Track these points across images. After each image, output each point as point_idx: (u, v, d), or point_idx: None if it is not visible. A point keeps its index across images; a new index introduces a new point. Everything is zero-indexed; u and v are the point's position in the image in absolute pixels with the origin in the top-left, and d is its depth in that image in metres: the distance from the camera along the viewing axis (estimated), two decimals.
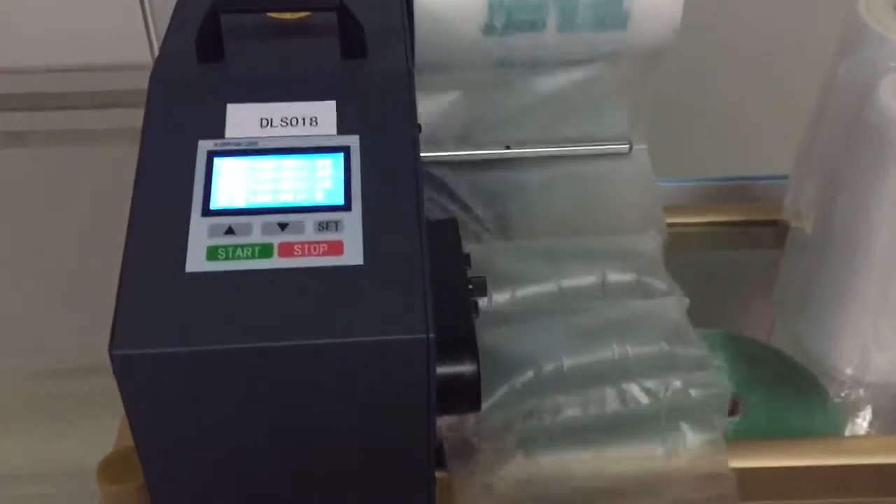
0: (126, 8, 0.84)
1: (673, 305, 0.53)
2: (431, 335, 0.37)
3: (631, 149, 0.61)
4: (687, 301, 0.55)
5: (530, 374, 0.50)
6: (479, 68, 0.57)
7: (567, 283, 0.55)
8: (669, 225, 0.65)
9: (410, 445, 0.41)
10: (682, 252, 0.66)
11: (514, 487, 0.45)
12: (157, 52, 0.85)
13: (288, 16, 0.48)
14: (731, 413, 0.63)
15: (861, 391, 0.54)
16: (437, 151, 0.60)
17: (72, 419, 1.12)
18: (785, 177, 0.66)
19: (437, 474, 0.45)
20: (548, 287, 0.55)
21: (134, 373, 0.36)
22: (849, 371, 0.54)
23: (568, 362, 0.50)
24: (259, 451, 0.40)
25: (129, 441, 0.44)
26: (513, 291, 0.55)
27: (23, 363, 1.12)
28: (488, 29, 0.55)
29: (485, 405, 0.47)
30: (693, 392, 0.49)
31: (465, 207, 0.59)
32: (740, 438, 0.57)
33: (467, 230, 0.59)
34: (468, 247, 0.52)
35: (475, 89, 0.59)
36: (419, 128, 0.44)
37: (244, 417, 0.38)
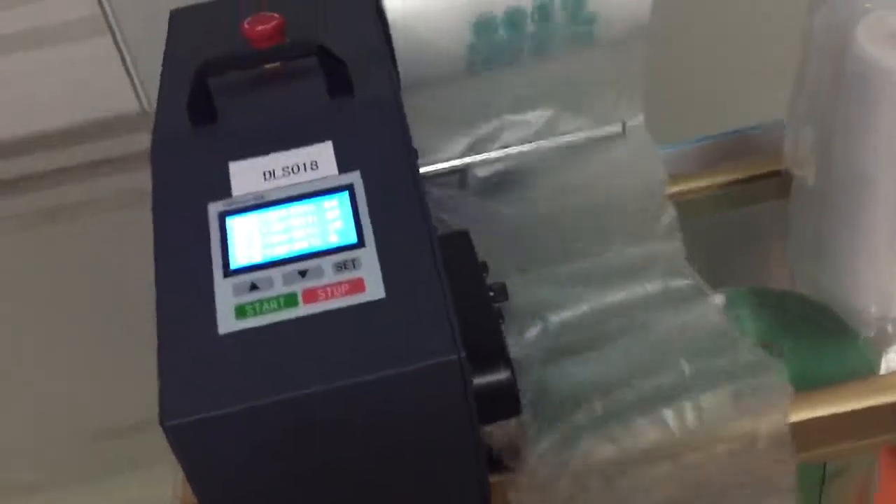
0: (106, 60, 0.86)
1: (711, 309, 0.53)
2: (462, 354, 0.38)
3: (625, 128, 0.62)
4: (723, 298, 0.55)
5: (592, 405, 0.49)
6: (460, 78, 0.58)
7: (597, 304, 0.55)
8: (676, 193, 0.66)
9: (459, 458, 0.42)
10: (693, 218, 0.66)
11: (566, 483, 0.46)
12: (143, 99, 0.87)
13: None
14: None
15: (889, 327, 0.54)
16: (434, 164, 0.61)
17: (125, 475, 1.15)
18: (780, 121, 0.67)
19: (494, 478, 0.47)
20: (580, 311, 0.55)
21: (186, 439, 0.38)
22: (873, 309, 0.54)
23: (622, 393, 0.49)
24: (313, 486, 0.41)
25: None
26: (546, 323, 0.54)
27: (73, 426, 1.15)
28: (469, 64, 0.56)
29: (543, 446, 0.47)
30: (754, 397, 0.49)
31: (462, 214, 0.60)
32: None
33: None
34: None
35: (458, 98, 0.60)
36: (415, 152, 0.46)
37: (297, 462, 0.40)
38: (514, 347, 0.51)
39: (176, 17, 0.56)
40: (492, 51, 0.57)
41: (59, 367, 1.08)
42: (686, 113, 0.84)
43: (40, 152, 0.91)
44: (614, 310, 0.54)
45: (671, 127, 0.76)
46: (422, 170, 0.60)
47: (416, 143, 0.46)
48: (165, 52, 0.53)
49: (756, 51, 0.87)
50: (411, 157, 0.45)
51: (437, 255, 0.41)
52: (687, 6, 0.80)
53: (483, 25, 0.56)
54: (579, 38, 0.58)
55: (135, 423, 1.14)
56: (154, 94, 0.70)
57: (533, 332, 0.54)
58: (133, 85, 0.88)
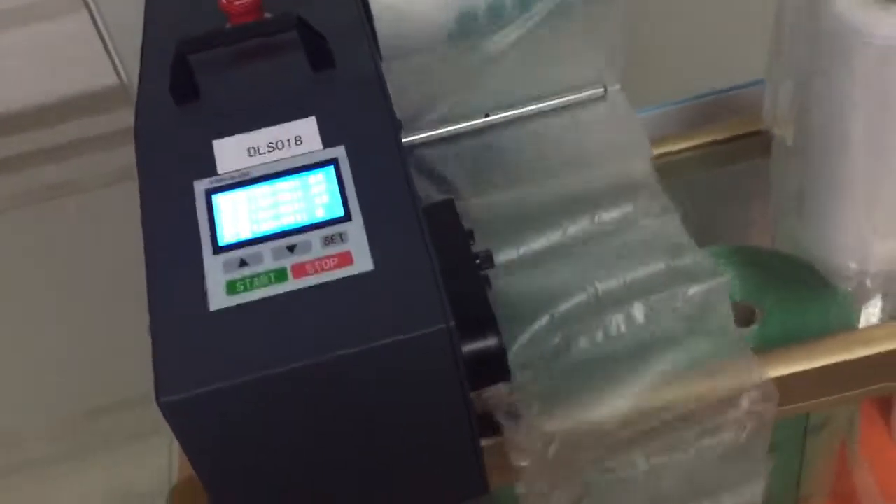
0: (83, 36, 0.85)
1: (668, 222, 0.55)
2: (451, 323, 0.39)
3: (606, 92, 0.62)
4: (678, 215, 0.56)
5: (547, 316, 0.52)
6: (444, 41, 0.58)
7: (570, 226, 0.57)
8: (658, 155, 0.66)
9: (451, 424, 0.43)
10: (675, 178, 0.67)
11: (560, 437, 0.48)
12: (122, 73, 0.86)
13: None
14: (749, 322, 0.66)
15: (868, 282, 0.56)
16: (417, 134, 0.61)
17: (119, 450, 1.16)
18: (760, 81, 0.67)
19: (489, 441, 0.48)
20: (554, 234, 0.57)
21: (182, 414, 0.39)
22: (852, 265, 0.55)
23: (579, 298, 0.52)
24: (310, 457, 0.42)
25: (190, 469, 0.47)
26: (517, 246, 0.57)
27: (66, 402, 1.16)
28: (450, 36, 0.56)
29: (514, 347, 0.49)
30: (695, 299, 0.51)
31: (446, 182, 0.61)
32: (761, 347, 0.59)
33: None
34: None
35: (440, 63, 0.60)
36: (399, 124, 0.46)
37: (291, 432, 0.41)
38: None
39: None
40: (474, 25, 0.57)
41: (52, 345, 1.09)
42: (666, 75, 0.84)
43: (21, 132, 0.91)
44: (581, 231, 0.56)
45: (652, 89, 0.77)
46: (407, 138, 0.61)
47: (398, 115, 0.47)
48: (144, 28, 0.53)
49: (736, 10, 0.87)
50: (395, 130, 0.45)
51: (423, 225, 0.42)
52: None
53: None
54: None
55: (126, 399, 1.16)
56: (133, 68, 0.70)
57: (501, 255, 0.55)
58: (111, 60, 0.88)
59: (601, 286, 0.52)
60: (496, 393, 0.48)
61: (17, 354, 1.09)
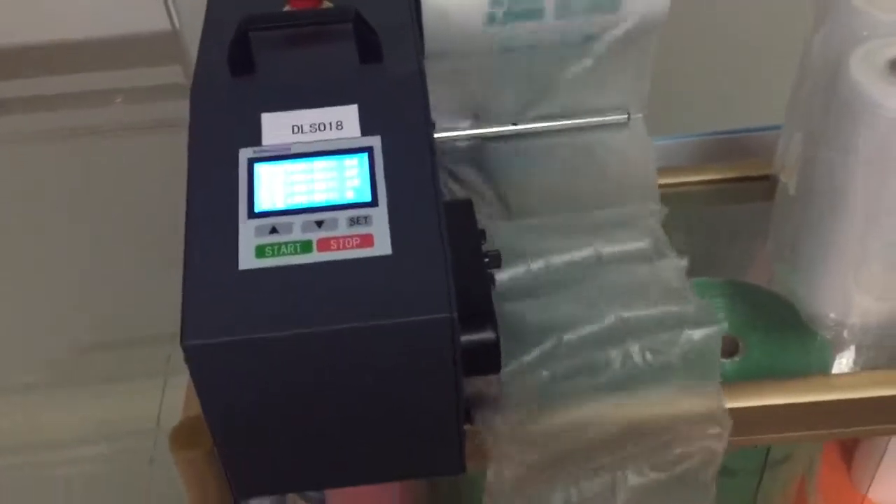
0: None
1: (669, 268, 0.59)
2: (455, 314, 0.43)
3: (629, 119, 0.66)
4: (684, 262, 0.60)
5: (548, 343, 0.55)
6: (483, 55, 0.62)
7: (576, 255, 0.61)
8: (667, 185, 0.70)
9: (442, 404, 0.47)
10: (683, 210, 0.71)
11: (528, 436, 0.52)
12: (175, 18, 0.89)
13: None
14: (732, 354, 0.69)
15: (845, 333, 0.59)
16: (449, 132, 0.65)
17: (115, 387, 1.21)
18: (779, 127, 0.70)
19: (468, 427, 0.52)
20: (560, 259, 0.61)
21: (202, 359, 0.42)
22: (832, 315, 0.59)
23: (580, 331, 0.56)
24: (310, 414, 0.46)
25: (195, 410, 0.51)
26: (527, 265, 0.60)
27: (67, 335, 1.20)
28: (490, 19, 0.59)
29: (507, 370, 0.53)
30: (689, 343, 0.55)
31: (469, 184, 0.64)
32: (737, 381, 0.63)
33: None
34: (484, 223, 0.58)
35: (479, 72, 0.63)
36: (433, 124, 0.50)
37: (295, 389, 0.45)
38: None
39: None
40: (514, 13, 0.60)
41: (60, 279, 1.13)
42: (690, 107, 0.88)
43: (70, 71, 0.94)
44: (587, 262, 0.59)
45: (675, 118, 0.80)
46: (438, 135, 0.65)
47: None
48: (208, 1, 0.56)
49: (767, 53, 0.90)
50: (429, 128, 0.49)
51: (441, 220, 0.45)
52: (701, 8, 0.83)
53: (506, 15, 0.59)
54: (604, 6, 0.60)
55: (128, 339, 1.20)
56: (185, 14, 0.72)
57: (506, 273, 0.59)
58: (165, 3, 0.91)
59: (596, 324, 0.55)
60: (483, 384, 0.52)
61: (28, 284, 1.14)
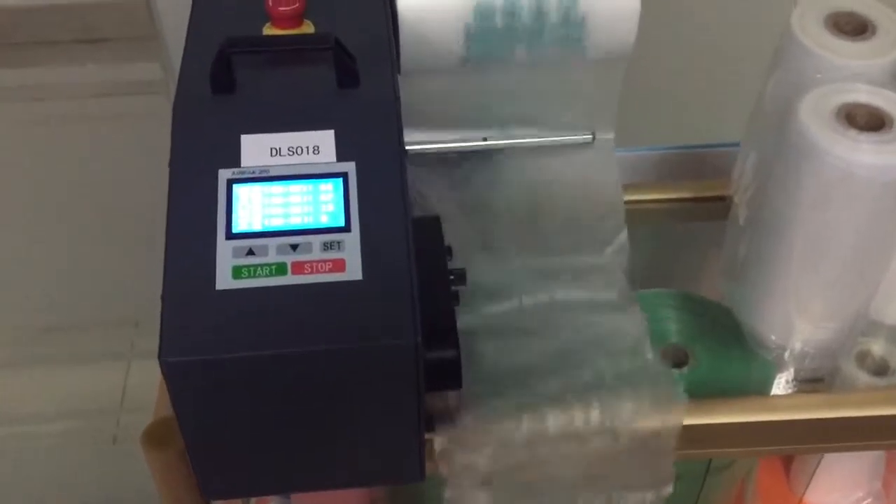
0: None
1: (631, 322, 0.61)
2: (419, 339, 0.45)
3: (594, 139, 0.68)
4: (646, 317, 0.62)
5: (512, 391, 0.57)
6: (456, 73, 0.64)
7: (544, 297, 0.63)
8: (630, 202, 0.73)
9: (405, 418, 0.50)
10: (642, 225, 0.74)
11: (484, 446, 0.55)
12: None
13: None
14: (681, 364, 0.73)
15: (785, 355, 0.63)
16: (420, 145, 0.67)
17: (80, 366, 1.22)
18: (737, 143, 0.73)
19: (429, 436, 0.55)
20: (534, 299, 0.63)
21: (179, 374, 0.45)
22: (773, 338, 0.62)
23: (548, 382, 0.58)
24: (278, 428, 0.49)
25: (167, 411, 0.54)
26: (495, 304, 0.62)
27: (34, 314, 1.21)
28: (463, 61, 0.62)
29: (470, 417, 0.55)
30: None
31: (438, 196, 0.67)
32: (685, 391, 0.66)
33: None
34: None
35: (452, 88, 0.66)
36: (405, 151, 0.52)
37: (269, 404, 0.47)
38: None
39: None
40: (488, 42, 0.62)
41: (26, 260, 1.13)
42: (658, 120, 0.90)
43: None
44: (548, 305, 0.62)
45: (642, 130, 0.83)
46: (408, 146, 0.67)
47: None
48: (192, 10, 0.58)
49: (741, 70, 0.92)
50: (402, 154, 0.51)
51: (410, 247, 0.48)
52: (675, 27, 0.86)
53: (482, 16, 0.61)
54: (569, 44, 0.63)
55: (95, 320, 1.21)
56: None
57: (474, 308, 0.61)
58: None
59: (556, 381, 0.57)
60: (442, 398, 0.55)
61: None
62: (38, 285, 1.14)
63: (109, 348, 1.18)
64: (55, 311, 1.17)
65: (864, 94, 0.55)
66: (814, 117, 0.54)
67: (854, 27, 0.60)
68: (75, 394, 1.19)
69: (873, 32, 0.60)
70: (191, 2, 0.58)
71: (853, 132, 0.53)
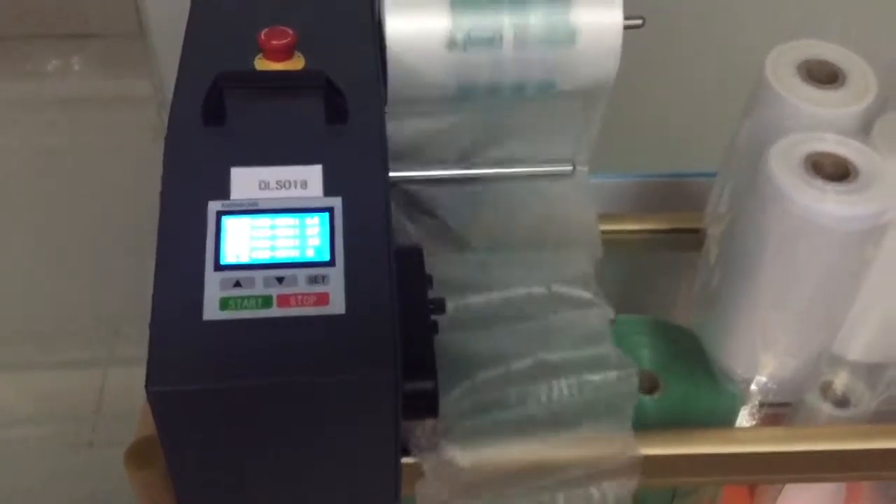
0: None
1: (596, 315, 0.64)
2: (399, 373, 0.47)
3: (574, 170, 0.70)
4: (611, 311, 0.65)
5: (481, 374, 0.61)
6: (441, 102, 0.66)
7: (514, 292, 0.66)
8: (606, 231, 0.75)
9: (382, 444, 0.52)
10: (619, 252, 0.76)
11: (460, 471, 0.57)
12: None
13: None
14: (652, 391, 0.75)
15: (750, 388, 0.65)
16: (405, 172, 0.69)
17: (58, 370, 1.22)
18: (714, 174, 0.76)
19: (405, 460, 0.56)
20: (498, 295, 0.66)
21: (164, 403, 0.46)
22: (739, 371, 0.65)
23: (512, 365, 0.61)
24: (258, 453, 0.50)
25: (149, 430, 0.55)
26: (465, 299, 0.65)
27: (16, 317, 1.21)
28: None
29: (445, 398, 0.58)
30: (606, 387, 0.60)
31: (420, 221, 0.69)
32: (655, 417, 0.69)
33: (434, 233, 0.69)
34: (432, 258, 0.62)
35: (437, 117, 0.68)
36: (390, 187, 0.53)
37: (252, 431, 0.49)
38: None
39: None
40: (471, 74, 0.64)
41: (5, 265, 1.14)
42: (641, 148, 0.92)
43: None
44: (524, 300, 0.65)
45: (623, 157, 0.85)
46: (397, 173, 0.69)
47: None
48: (185, 40, 0.59)
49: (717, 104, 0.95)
50: (387, 191, 0.53)
51: (392, 283, 0.50)
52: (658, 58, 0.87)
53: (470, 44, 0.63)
54: (549, 86, 0.65)
55: (69, 328, 1.21)
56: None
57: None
58: None
59: (525, 360, 0.60)
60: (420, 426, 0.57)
61: None
62: (21, 291, 1.15)
63: (88, 354, 1.19)
64: (35, 317, 1.18)
65: (832, 144, 0.57)
66: (782, 165, 0.56)
67: (826, 75, 0.63)
68: (52, 398, 1.20)
69: (844, 82, 0.62)
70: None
71: (819, 181, 0.55)
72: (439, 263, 0.62)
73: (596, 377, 0.61)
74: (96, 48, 1.00)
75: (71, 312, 1.16)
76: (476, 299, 0.66)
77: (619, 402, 0.61)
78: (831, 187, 0.55)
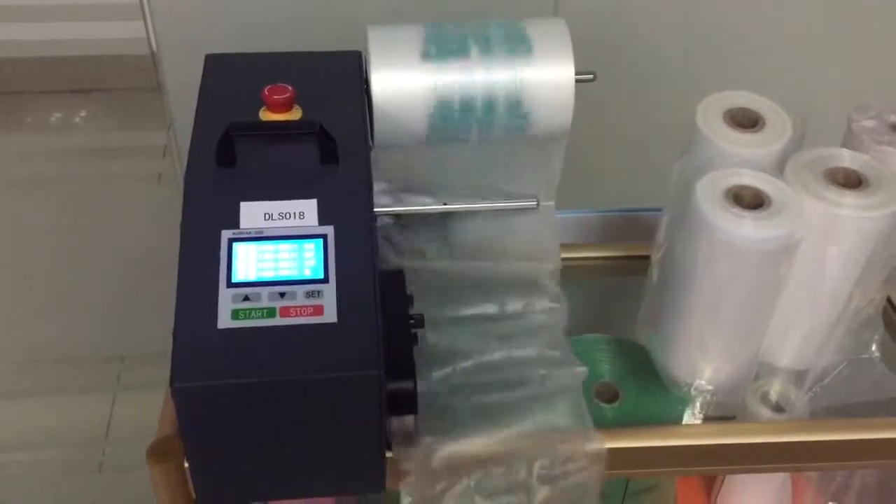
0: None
1: (554, 317, 0.75)
2: (382, 372, 0.56)
3: (538, 205, 0.80)
4: (564, 316, 0.75)
5: (459, 364, 0.70)
6: (420, 149, 0.76)
7: (484, 305, 0.76)
8: (569, 258, 0.84)
9: (369, 437, 0.61)
10: (581, 278, 0.86)
11: (434, 463, 0.66)
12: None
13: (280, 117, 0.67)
14: (613, 400, 0.84)
15: (692, 391, 0.75)
16: (387, 208, 0.79)
17: (68, 396, 1.29)
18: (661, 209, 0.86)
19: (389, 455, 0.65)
20: (476, 308, 0.76)
21: (187, 398, 0.55)
22: (681, 376, 0.74)
23: (482, 359, 0.71)
24: (269, 442, 0.59)
25: (168, 430, 0.64)
26: (443, 306, 0.75)
27: (27, 347, 1.28)
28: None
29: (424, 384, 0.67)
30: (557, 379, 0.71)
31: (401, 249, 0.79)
32: (615, 424, 0.78)
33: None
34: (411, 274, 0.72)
35: (416, 162, 0.78)
36: (375, 217, 0.63)
37: (259, 423, 0.58)
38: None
39: (211, 60, 0.72)
40: (447, 129, 0.74)
41: (18, 293, 1.21)
42: (598, 186, 1.03)
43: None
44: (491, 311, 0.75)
45: (584, 195, 0.95)
46: (381, 209, 0.79)
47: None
48: (200, 94, 0.69)
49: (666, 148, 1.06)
50: (372, 221, 0.63)
51: (377, 296, 0.59)
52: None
53: (442, 106, 0.73)
54: (515, 129, 0.76)
55: (79, 355, 1.28)
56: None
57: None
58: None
59: (492, 356, 0.70)
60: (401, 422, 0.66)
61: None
62: (33, 320, 1.22)
63: (97, 381, 1.26)
64: (45, 344, 1.24)
65: (749, 178, 0.67)
66: (708, 196, 0.66)
67: (748, 121, 0.73)
68: (63, 423, 1.27)
69: (763, 126, 0.72)
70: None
71: (738, 210, 0.65)
72: (416, 281, 0.72)
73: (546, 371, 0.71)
74: (109, 101, 1.09)
75: (80, 340, 1.23)
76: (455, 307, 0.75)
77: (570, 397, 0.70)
78: (749, 214, 0.65)
